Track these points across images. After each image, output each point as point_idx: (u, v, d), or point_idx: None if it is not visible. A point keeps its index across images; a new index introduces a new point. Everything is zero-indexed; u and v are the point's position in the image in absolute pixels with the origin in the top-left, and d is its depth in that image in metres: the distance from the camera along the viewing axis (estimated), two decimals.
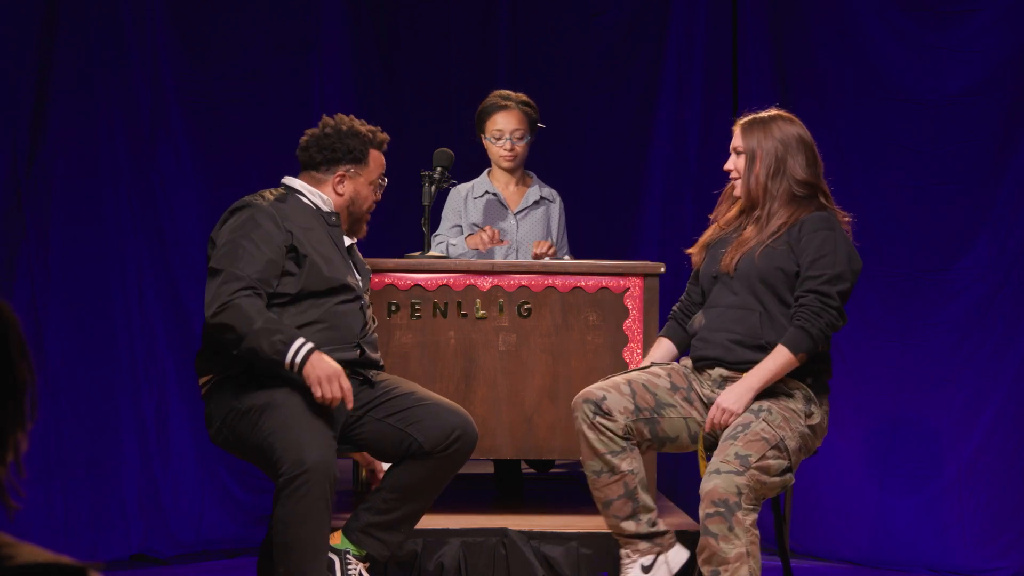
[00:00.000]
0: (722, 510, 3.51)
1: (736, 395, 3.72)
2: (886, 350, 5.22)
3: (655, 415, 3.79)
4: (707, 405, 3.83)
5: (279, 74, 5.53)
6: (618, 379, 3.83)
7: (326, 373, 3.57)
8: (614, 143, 5.87)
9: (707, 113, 5.63)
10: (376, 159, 3.92)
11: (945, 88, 5.17)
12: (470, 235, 4.84)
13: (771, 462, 3.61)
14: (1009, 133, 5.08)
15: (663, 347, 4.06)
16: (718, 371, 3.83)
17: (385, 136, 3.95)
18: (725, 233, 3.95)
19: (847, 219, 3.86)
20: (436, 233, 4.90)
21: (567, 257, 4.93)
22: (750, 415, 3.68)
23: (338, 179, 3.86)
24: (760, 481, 3.59)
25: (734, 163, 3.91)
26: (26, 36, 4.93)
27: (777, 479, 3.64)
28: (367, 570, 3.80)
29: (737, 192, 3.91)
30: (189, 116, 5.35)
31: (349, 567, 3.75)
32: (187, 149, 5.34)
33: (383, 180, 3.95)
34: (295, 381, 3.64)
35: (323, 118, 3.91)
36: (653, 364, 3.95)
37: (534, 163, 5.13)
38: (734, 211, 3.98)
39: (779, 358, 3.72)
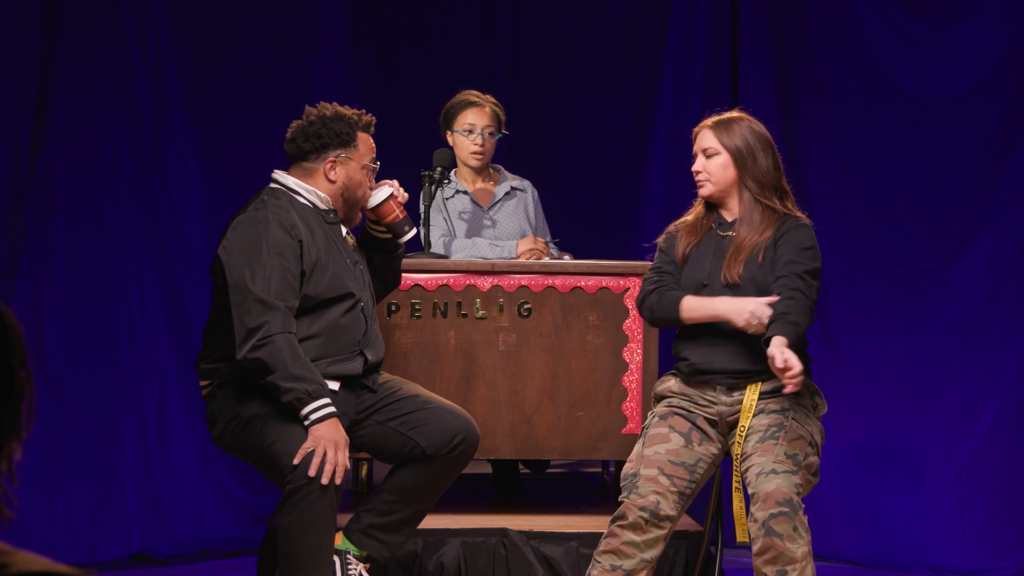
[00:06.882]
0: (786, 510, 3.47)
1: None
2: (886, 350, 5.21)
3: (693, 482, 3.68)
4: (715, 422, 3.74)
5: (281, 74, 5.52)
6: (652, 472, 3.63)
7: (332, 440, 3.52)
8: (614, 143, 5.86)
9: (707, 113, 5.62)
10: (365, 141, 3.78)
11: (945, 88, 5.16)
12: (522, 244, 4.80)
13: (812, 459, 3.61)
14: (1009, 133, 5.07)
15: None
16: (722, 381, 3.74)
17: (371, 118, 3.82)
18: (699, 240, 3.85)
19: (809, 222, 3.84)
20: (433, 225, 4.84)
21: (553, 246, 4.91)
22: (778, 415, 3.64)
23: (329, 165, 3.74)
24: (807, 480, 3.58)
25: (703, 165, 3.85)
26: (28, 36, 4.93)
27: (813, 478, 3.64)
28: (367, 571, 3.80)
29: (705, 194, 3.85)
30: (191, 116, 5.35)
31: (349, 567, 3.74)
32: (189, 149, 5.34)
33: (375, 164, 3.82)
34: None
35: (306, 108, 3.80)
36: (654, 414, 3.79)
37: (535, 164, 5.13)
38: (691, 218, 3.90)
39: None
